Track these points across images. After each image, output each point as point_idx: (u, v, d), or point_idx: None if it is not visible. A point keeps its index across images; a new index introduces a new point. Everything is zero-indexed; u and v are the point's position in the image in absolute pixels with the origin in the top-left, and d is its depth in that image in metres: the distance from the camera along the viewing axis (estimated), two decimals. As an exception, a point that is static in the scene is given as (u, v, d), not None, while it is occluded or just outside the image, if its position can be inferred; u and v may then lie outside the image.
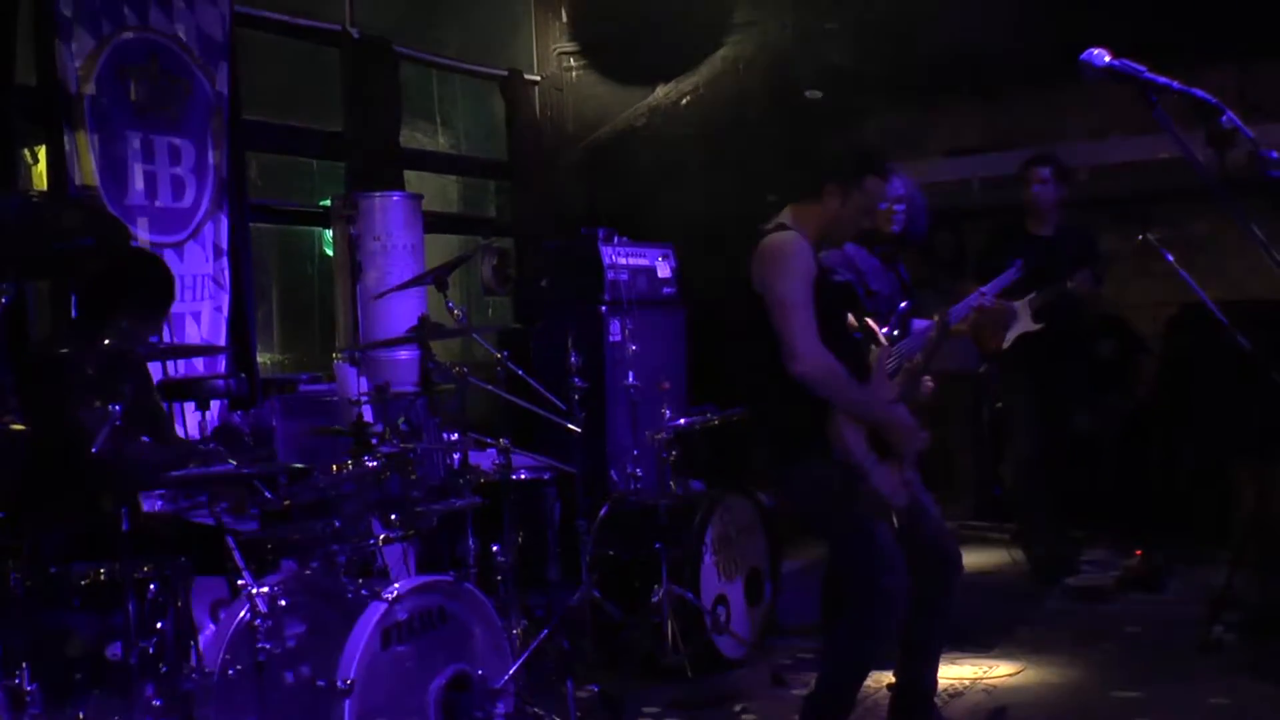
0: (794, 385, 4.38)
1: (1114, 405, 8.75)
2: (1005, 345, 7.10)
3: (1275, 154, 3.05)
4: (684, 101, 9.69)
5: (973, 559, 8.00)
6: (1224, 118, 3.01)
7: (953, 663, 5.80)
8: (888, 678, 4.92)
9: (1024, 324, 7.05)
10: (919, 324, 5.61)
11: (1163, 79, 3.04)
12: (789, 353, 4.38)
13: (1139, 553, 7.30)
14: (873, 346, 4.72)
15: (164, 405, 5.43)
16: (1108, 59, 3.06)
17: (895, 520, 4.50)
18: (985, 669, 5.82)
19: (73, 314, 6.27)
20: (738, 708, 5.51)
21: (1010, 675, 5.76)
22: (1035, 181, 7.22)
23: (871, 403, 4.51)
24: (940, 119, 9.56)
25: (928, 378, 4.80)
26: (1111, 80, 3.07)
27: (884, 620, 4.53)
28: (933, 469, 4.83)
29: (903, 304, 5.75)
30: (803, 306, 4.40)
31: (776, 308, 4.43)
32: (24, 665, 3.80)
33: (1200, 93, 3.01)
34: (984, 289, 5.64)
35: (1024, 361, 7.21)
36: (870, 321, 4.84)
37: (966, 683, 5.65)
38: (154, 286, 4.96)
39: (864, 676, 4.69)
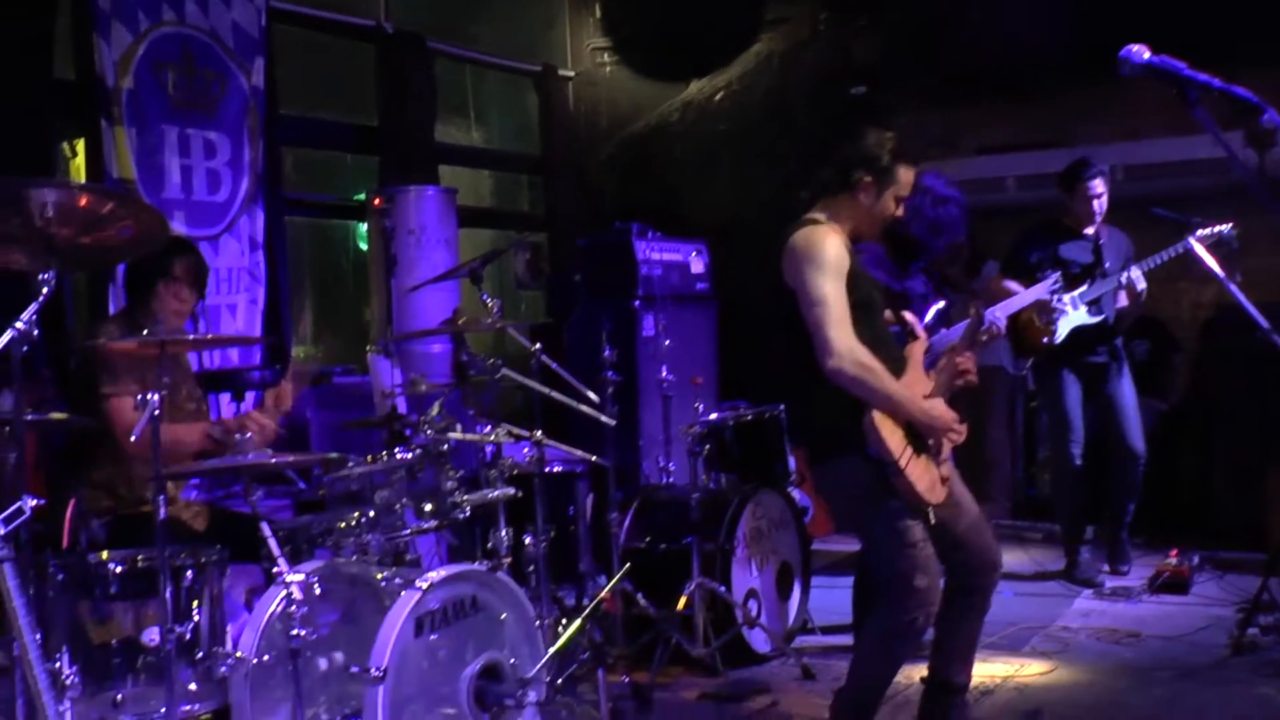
0: (828, 381, 4.37)
1: (1149, 406, 8.73)
2: (1058, 340, 7.04)
3: (1316, 154, 3.04)
4: (717, 97, 9.72)
5: (1006, 558, 7.98)
6: (1264, 117, 2.99)
7: (984, 660, 5.77)
8: (920, 673, 4.91)
9: (1078, 319, 7.02)
10: (945, 331, 5.61)
11: (1203, 76, 3.03)
12: (822, 348, 4.35)
13: (1173, 554, 7.27)
14: (911, 341, 4.70)
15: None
16: (1147, 55, 3.05)
17: (931, 517, 4.48)
18: (1017, 667, 5.81)
19: (112, 308, 6.36)
20: (768, 701, 5.50)
21: (1041, 674, 5.74)
22: (1093, 197, 7.10)
23: (907, 398, 4.48)
24: (973, 117, 9.53)
25: (969, 368, 4.75)
26: (1150, 77, 3.06)
27: (915, 618, 4.51)
28: (967, 467, 4.80)
29: (939, 303, 5.74)
30: (835, 301, 4.38)
31: (809, 303, 4.40)
32: (64, 650, 3.85)
33: (1241, 90, 3.00)
34: (996, 309, 5.61)
35: (1065, 361, 7.18)
36: (909, 315, 4.84)
37: (998, 680, 5.63)
38: (185, 261, 5.00)
39: (894, 673, 4.68)
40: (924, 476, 4.44)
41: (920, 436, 4.47)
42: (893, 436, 4.38)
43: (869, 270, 5.04)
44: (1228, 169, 3.16)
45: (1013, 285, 6.70)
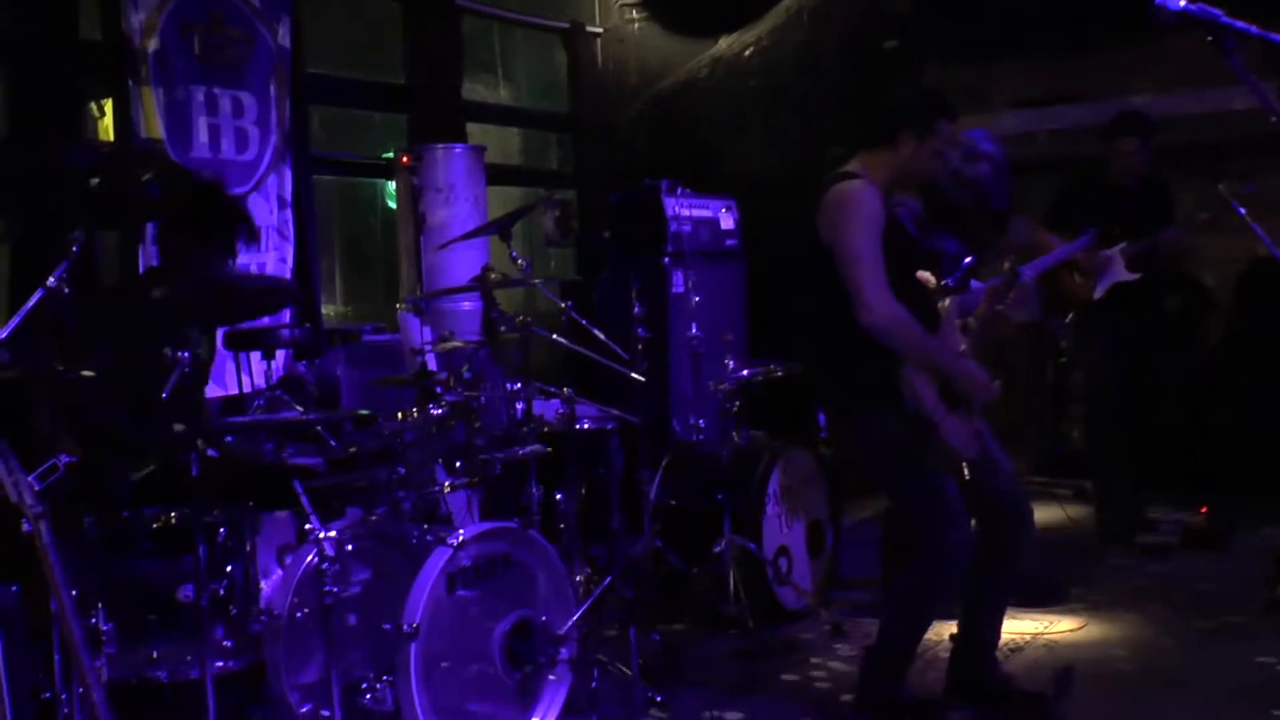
0: (863, 337, 4.35)
1: (1181, 360, 8.66)
2: (1098, 295, 6.99)
3: (1357, 106, 2.98)
4: (747, 53, 9.62)
5: (1037, 514, 7.93)
6: (1304, 65, 2.95)
7: (1014, 617, 5.77)
8: (950, 630, 4.91)
9: (1119, 273, 6.96)
10: (976, 285, 5.57)
11: (1241, 24, 2.98)
12: (858, 303, 4.34)
13: (1204, 510, 7.23)
14: (944, 297, 4.69)
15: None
16: (1182, 2, 3.00)
17: (965, 472, 4.47)
18: (1046, 624, 5.81)
19: (151, 262, 6.38)
20: (798, 659, 5.52)
21: (1072, 631, 5.74)
22: (1122, 154, 7.03)
23: (942, 353, 4.48)
24: (1005, 71, 9.45)
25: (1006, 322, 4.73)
26: (1186, 25, 3.01)
27: (946, 575, 4.52)
28: (998, 423, 4.79)
29: (967, 259, 5.70)
30: (872, 256, 4.36)
31: (845, 258, 4.39)
32: (99, 606, 3.88)
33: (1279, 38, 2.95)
34: (1030, 265, 5.58)
35: (1103, 317, 7.11)
36: (926, 275, 4.82)
37: (1028, 637, 5.63)
38: (218, 212, 4.98)
39: (924, 629, 4.69)
40: (959, 431, 4.44)
41: (954, 392, 4.46)
42: (928, 392, 4.38)
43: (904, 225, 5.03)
44: (1264, 119, 3.12)
45: (1054, 239, 6.66)
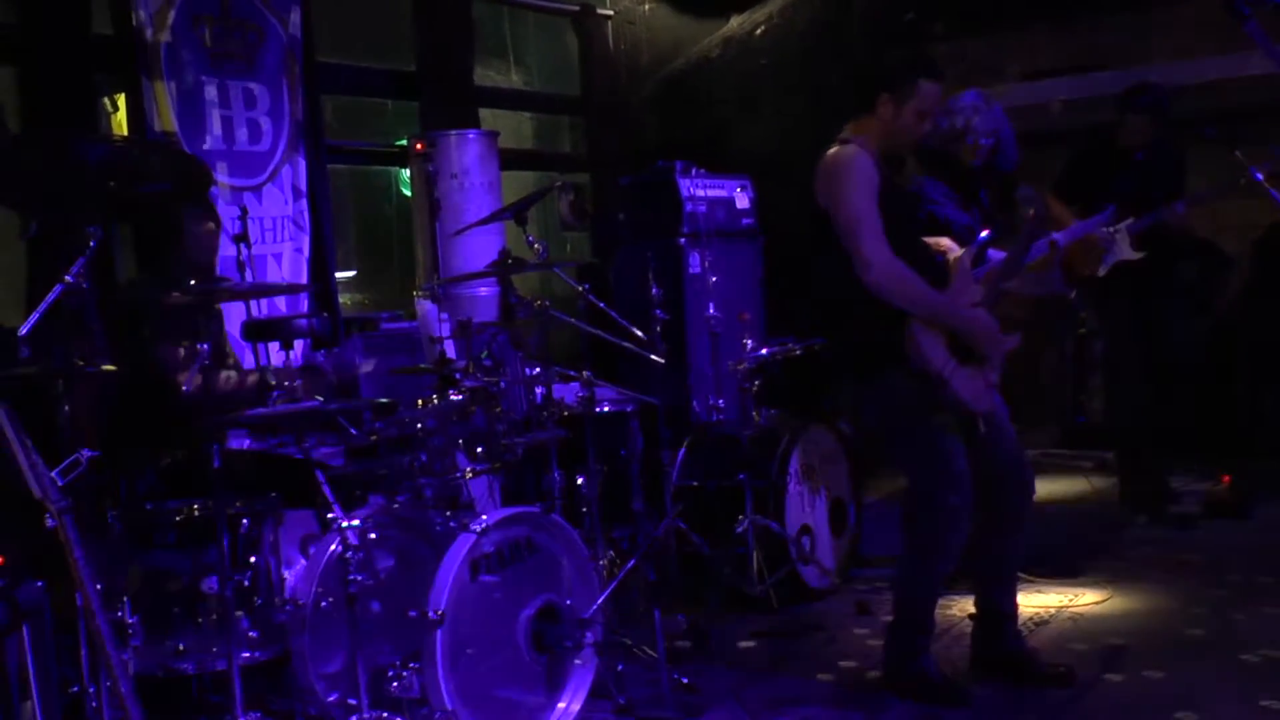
0: (868, 298, 4.40)
1: (1199, 328, 8.62)
2: (1101, 273, 6.96)
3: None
4: (758, 31, 9.60)
5: (1058, 487, 7.96)
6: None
7: (1038, 591, 5.78)
8: (970, 607, 4.90)
9: (1124, 252, 6.91)
10: (994, 255, 5.55)
11: (1256, -11, 2.96)
12: (859, 262, 4.41)
13: (1226, 479, 7.20)
14: (952, 253, 4.71)
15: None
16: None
17: (982, 426, 4.49)
18: (1071, 597, 5.79)
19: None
20: (823, 638, 5.52)
21: (1096, 603, 5.72)
22: (1130, 129, 6.96)
23: (946, 305, 4.50)
24: (1018, 42, 9.41)
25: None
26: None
27: (947, 537, 4.53)
28: (1017, 396, 4.79)
29: (983, 233, 5.68)
30: (868, 215, 4.44)
31: (842, 219, 4.47)
32: (125, 599, 3.90)
33: (1296, 1, 2.93)
34: (1058, 235, 5.56)
35: (1125, 292, 7.05)
36: (946, 241, 4.83)
37: (1052, 610, 5.62)
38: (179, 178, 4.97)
39: (935, 594, 4.69)
40: (969, 385, 4.46)
41: (964, 346, 4.48)
42: (935, 348, 4.40)
43: (943, 205, 5.09)
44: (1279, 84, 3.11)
45: (1066, 210, 6.64)
